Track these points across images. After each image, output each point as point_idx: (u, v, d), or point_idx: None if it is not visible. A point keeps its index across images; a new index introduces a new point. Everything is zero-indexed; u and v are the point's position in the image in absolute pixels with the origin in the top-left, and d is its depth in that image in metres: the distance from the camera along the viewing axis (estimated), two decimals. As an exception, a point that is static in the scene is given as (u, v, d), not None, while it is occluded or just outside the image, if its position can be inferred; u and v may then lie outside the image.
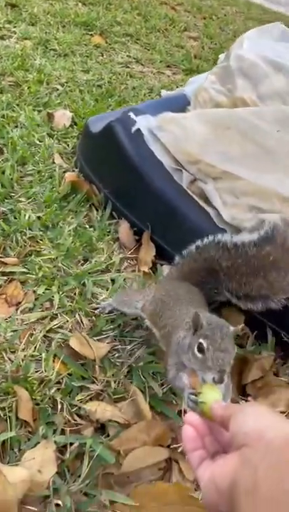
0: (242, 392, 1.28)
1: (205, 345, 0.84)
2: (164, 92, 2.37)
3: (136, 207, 1.62)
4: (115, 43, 3.27)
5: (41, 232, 1.55)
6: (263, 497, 0.48)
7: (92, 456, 1.02)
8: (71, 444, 1.04)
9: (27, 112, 2.11)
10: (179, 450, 1.10)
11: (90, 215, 1.70)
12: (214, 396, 0.74)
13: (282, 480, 0.48)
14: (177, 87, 2.74)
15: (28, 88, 2.32)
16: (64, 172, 1.83)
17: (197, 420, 0.68)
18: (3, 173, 1.72)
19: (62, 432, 1.06)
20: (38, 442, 1.03)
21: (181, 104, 1.81)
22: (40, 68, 2.54)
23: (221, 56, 1.86)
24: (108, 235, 1.63)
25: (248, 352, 1.33)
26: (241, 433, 0.55)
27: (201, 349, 0.85)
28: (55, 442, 1.03)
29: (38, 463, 0.98)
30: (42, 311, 1.32)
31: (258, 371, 1.28)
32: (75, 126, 2.16)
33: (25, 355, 1.19)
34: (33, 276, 1.40)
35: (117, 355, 1.26)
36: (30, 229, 1.54)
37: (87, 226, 1.64)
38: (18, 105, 2.17)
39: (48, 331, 1.27)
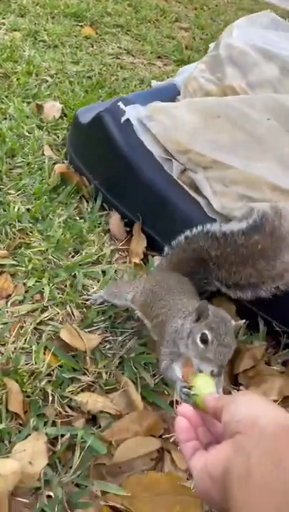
0: (234, 381, 1.28)
1: (210, 337, 0.84)
2: (154, 83, 2.35)
3: (126, 198, 1.60)
4: (106, 34, 3.23)
5: (31, 225, 1.53)
6: (256, 483, 0.47)
7: (83, 447, 1.02)
8: (62, 435, 1.03)
9: (16, 104, 2.09)
10: (171, 440, 1.10)
11: (81, 207, 1.68)
12: (207, 388, 0.73)
13: (276, 467, 0.47)
14: (168, 78, 2.72)
15: (17, 80, 2.29)
16: (54, 164, 1.81)
17: (190, 411, 0.68)
18: (-8, 165, 1.71)
19: (54, 424, 1.06)
20: (29, 434, 1.02)
21: (171, 94, 1.79)
22: (30, 59, 2.51)
23: (211, 45, 1.85)
24: (99, 227, 1.62)
25: (239, 341, 1.33)
26: (234, 421, 0.55)
27: (204, 340, 0.85)
28: (46, 434, 1.02)
29: (29, 455, 0.98)
30: (32, 303, 1.31)
31: (249, 360, 1.28)
32: (65, 118, 2.14)
33: (15, 348, 1.18)
34: (23, 268, 1.39)
35: (108, 346, 1.26)
36: (19, 221, 1.53)
37: (78, 218, 1.62)
38: (6, 97, 2.15)
39: (38, 323, 1.26)
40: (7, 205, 1.57)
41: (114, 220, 1.63)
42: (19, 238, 1.48)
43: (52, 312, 1.30)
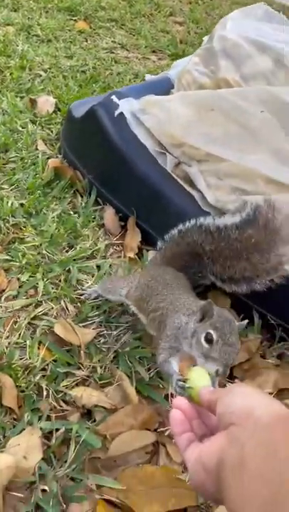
0: (229, 374, 1.27)
1: (215, 336, 0.85)
2: (148, 76, 2.33)
3: (120, 192, 1.60)
4: (100, 28, 3.21)
5: (24, 219, 1.52)
6: (251, 474, 0.47)
7: (78, 441, 1.01)
8: (57, 430, 1.03)
9: (9, 98, 2.07)
10: (166, 433, 1.10)
11: (75, 202, 1.68)
12: (202, 381, 0.73)
13: (272, 458, 0.47)
14: (163, 72, 2.71)
15: (11, 74, 2.28)
16: (47, 158, 1.80)
17: (185, 404, 0.67)
18: (-15, 160, 1.70)
19: (48, 418, 1.05)
20: (24, 429, 1.02)
21: (165, 88, 1.78)
22: (23, 54, 2.50)
23: (205, 38, 1.83)
24: (93, 221, 1.61)
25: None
26: (228, 412, 0.55)
27: (209, 339, 0.86)
28: (40, 429, 1.02)
29: (24, 449, 0.98)
30: (26, 298, 1.31)
31: (244, 353, 1.28)
32: (58, 112, 2.12)
33: (9, 343, 1.18)
34: (17, 263, 1.38)
35: (102, 340, 1.25)
36: (13, 216, 1.52)
37: (72, 212, 1.62)
38: (0, 91, 2.13)
39: (32, 318, 1.26)
40: (0, 200, 1.56)
41: (109, 215, 1.62)
42: (13, 233, 1.47)
43: (46, 307, 1.29)
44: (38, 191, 1.62)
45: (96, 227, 1.60)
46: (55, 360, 1.16)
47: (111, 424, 1.07)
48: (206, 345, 0.86)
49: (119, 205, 1.60)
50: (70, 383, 1.13)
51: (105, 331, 1.28)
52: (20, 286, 1.33)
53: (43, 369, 1.14)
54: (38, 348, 1.18)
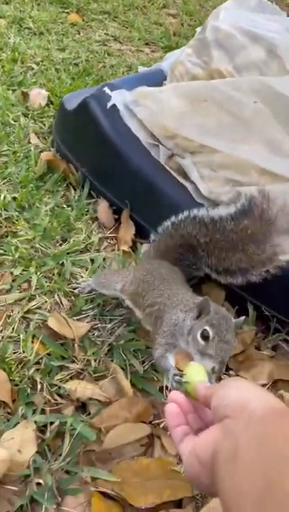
0: (224, 366, 1.27)
1: (211, 333, 0.85)
2: (140, 68, 2.31)
3: (114, 184, 1.59)
4: (92, 20, 3.19)
5: (17, 213, 1.51)
6: (244, 466, 0.47)
7: (73, 434, 1.01)
8: (51, 423, 1.03)
9: (1, 92, 2.05)
10: (161, 426, 1.10)
11: (68, 195, 1.66)
12: (198, 376, 0.73)
13: (265, 450, 0.47)
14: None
15: (2, 67, 2.26)
16: (40, 152, 1.79)
17: (181, 398, 0.67)
18: (-23, 154, 1.68)
19: (43, 412, 1.05)
20: (18, 423, 1.01)
21: (158, 79, 1.77)
22: (15, 47, 2.47)
23: (198, 29, 1.82)
24: (86, 215, 1.60)
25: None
26: (223, 405, 0.54)
27: (205, 336, 0.86)
28: (35, 422, 1.02)
29: (18, 443, 0.97)
30: (20, 292, 1.30)
31: (239, 345, 1.28)
32: (51, 106, 2.11)
33: (2, 337, 1.17)
34: (10, 257, 1.37)
35: (97, 334, 1.25)
36: (5, 210, 1.51)
37: (65, 206, 1.61)
38: (-9, 85, 2.12)
39: (26, 312, 1.25)
40: (-7, 194, 1.55)
41: (102, 208, 1.61)
42: (5, 227, 1.46)
43: (40, 301, 1.28)
44: (31, 185, 1.61)
45: (89, 220, 1.59)
46: (49, 354, 1.16)
47: (106, 417, 1.07)
48: (202, 342, 0.86)
49: (112, 198, 1.59)
50: (65, 377, 1.13)
51: (99, 324, 1.27)
52: (13, 280, 1.32)
53: (37, 363, 1.14)
54: (32, 342, 1.17)
